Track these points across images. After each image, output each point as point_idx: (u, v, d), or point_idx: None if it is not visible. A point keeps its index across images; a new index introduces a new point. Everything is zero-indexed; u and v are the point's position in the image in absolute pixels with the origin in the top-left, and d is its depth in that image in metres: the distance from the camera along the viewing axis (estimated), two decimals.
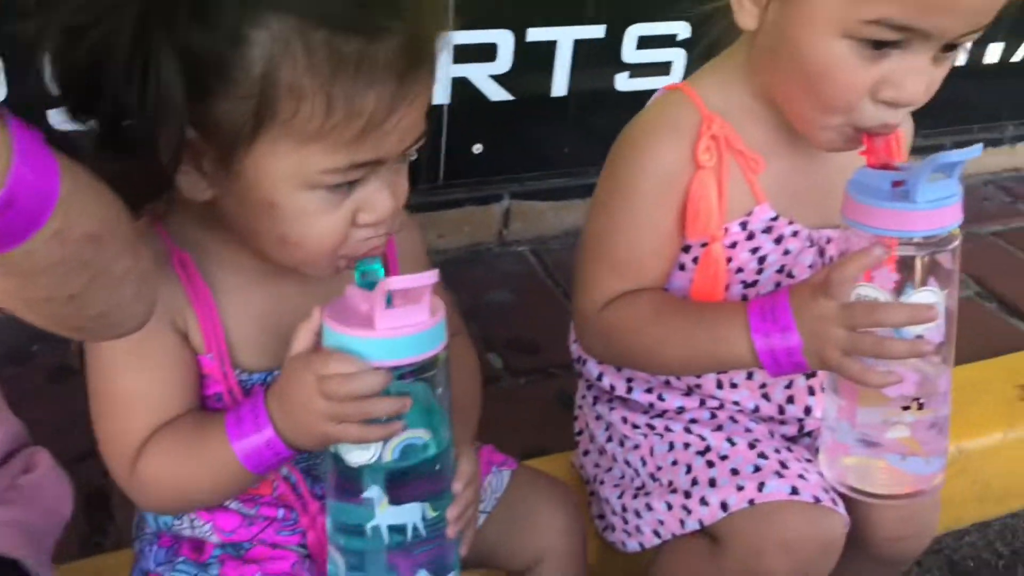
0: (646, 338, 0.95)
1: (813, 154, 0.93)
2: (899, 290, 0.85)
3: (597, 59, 1.65)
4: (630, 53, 1.67)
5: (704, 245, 0.95)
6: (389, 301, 0.73)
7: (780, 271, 0.98)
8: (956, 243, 0.84)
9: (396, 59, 0.70)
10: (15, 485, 0.86)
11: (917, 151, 2.13)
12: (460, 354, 0.97)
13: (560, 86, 1.66)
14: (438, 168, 1.64)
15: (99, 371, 0.81)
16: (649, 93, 0.99)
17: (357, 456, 0.77)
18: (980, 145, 0.80)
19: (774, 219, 0.95)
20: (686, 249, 0.97)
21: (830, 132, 0.86)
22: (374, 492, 0.78)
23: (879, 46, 0.80)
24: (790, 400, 1.03)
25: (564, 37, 1.61)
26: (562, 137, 1.70)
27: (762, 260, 0.97)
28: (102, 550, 1.15)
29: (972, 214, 2.04)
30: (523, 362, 1.47)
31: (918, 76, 0.81)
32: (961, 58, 2.02)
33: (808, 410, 1.03)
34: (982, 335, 1.66)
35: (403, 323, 0.73)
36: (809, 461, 0.99)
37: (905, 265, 0.83)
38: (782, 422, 1.05)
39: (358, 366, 0.72)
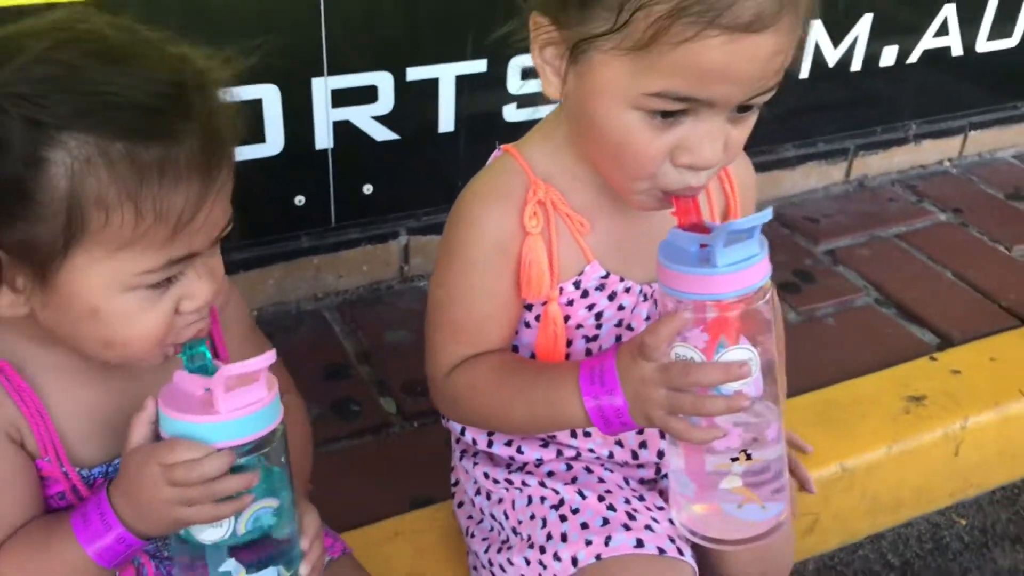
0: (491, 402, 0.97)
1: (637, 212, 0.94)
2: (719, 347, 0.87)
3: (482, 93, 1.66)
4: (515, 84, 1.68)
5: (544, 304, 0.97)
6: None
7: (619, 325, 1.00)
8: (768, 296, 0.86)
9: (197, 159, 0.72)
10: None
11: (823, 156, 2.17)
12: (290, 412, 0.97)
13: (447, 122, 1.66)
14: (328, 212, 1.64)
15: None
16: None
17: (210, 534, 0.79)
18: (770, 209, 0.82)
19: (605, 277, 0.96)
20: (529, 307, 0.99)
21: (640, 195, 0.88)
22: (231, 565, 0.81)
23: (668, 115, 0.81)
24: (643, 445, 1.05)
25: (445, 74, 1.62)
26: (455, 170, 1.70)
27: (599, 316, 0.98)
28: None
29: (876, 217, 2.10)
30: (417, 405, 1.48)
31: (713, 141, 0.83)
32: (857, 62, 2.05)
33: (662, 454, 1.05)
34: (878, 344, 1.69)
35: (243, 403, 0.76)
36: (661, 508, 1.02)
37: (716, 325, 0.85)
38: (639, 466, 1.07)
39: (203, 451, 0.75)
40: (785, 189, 2.13)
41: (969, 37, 2.15)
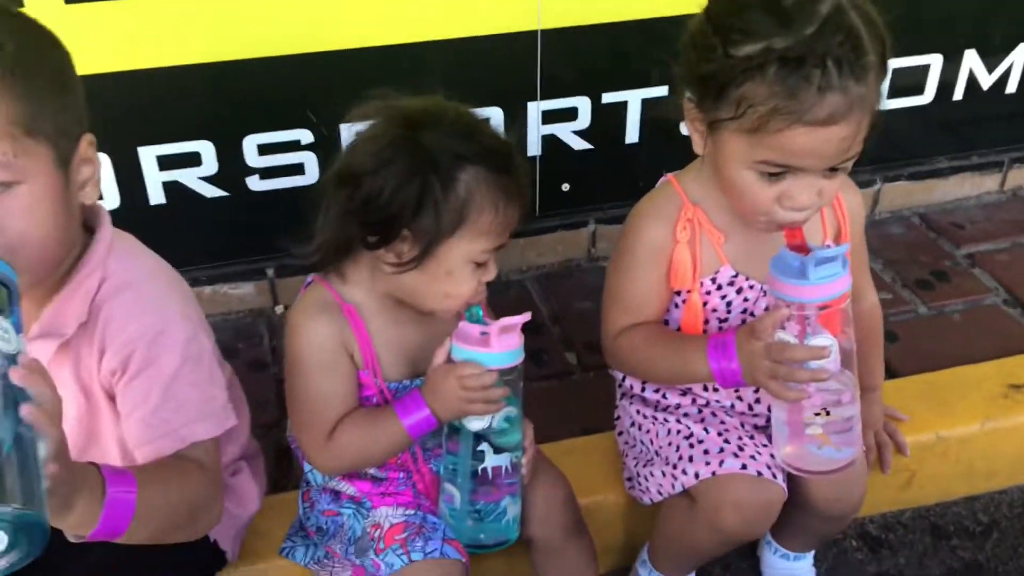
0: (644, 358, 1.37)
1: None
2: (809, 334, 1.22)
3: (663, 113, 2.03)
4: None
5: (688, 292, 1.35)
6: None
7: (743, 312, 1.37)
8: (847, 302, 1.21)
9: (522, 187, 1.22)
10: (225, 483, 1.36)
11: (977, 168, 2.38)
12: None
13: (632, 135, 2.05)
14: (534, 204, 2.07)
15: (300, 377, 1.28)
16: None
17: (476, 424, 1.26)
18: (848, 244, 1.17)
19: (735, 276, 1.34)
20: (678, 294, 1.37)
21: (760, 224, 1.24)
22: (484, 446, 1.27)
23: (773, 174, 1.17)
24: (757, 400, 1.42)
25: (633, 98, 2.00)
26: (636, 173, 2.08)
27: (729, 304, 1.36)
28: (285, 489, 1.65)
29: (1022, 225, 2.29)
30: (594, 360, 1.89)
31: (808, 191, 1.17)
32: (1012, 85, 2.25)
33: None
34: (996, 339, 1.94)
35: (507, 344, 1.22)
36: (765, 446, 1.38)
37: (806, 319, 1.20)
38: (754, 415, 1.44)
39: (481, 370, 1.21)
40: (937, 197, 2.36)
41: None
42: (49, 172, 1.04)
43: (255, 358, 1.94)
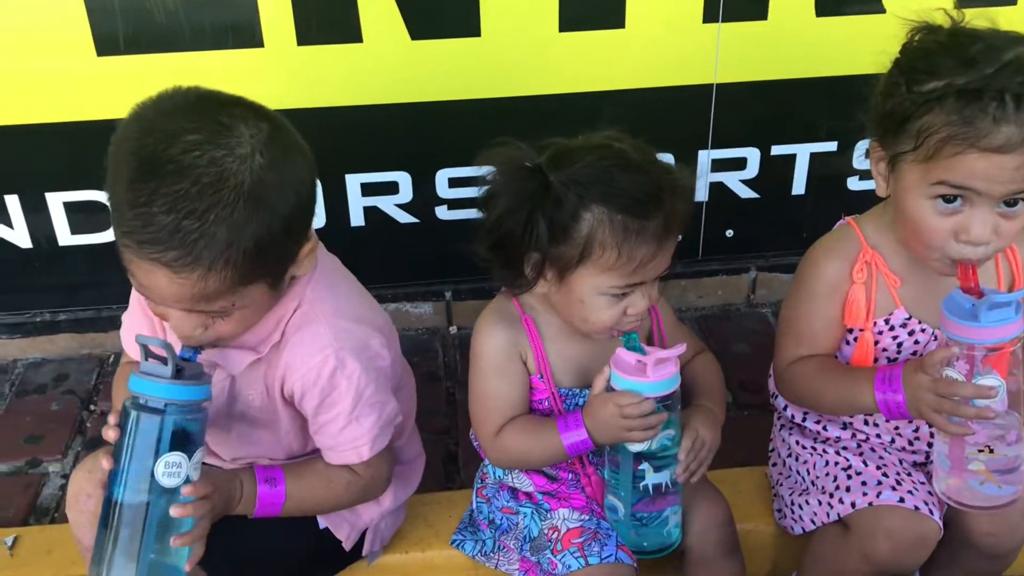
0: (813, 386, 1.44)
1: (936, 277, 1.36)
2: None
3: (831, 166, 2.11)
4: (859, 161, 2.11)
5: (861, 331, 1.43)
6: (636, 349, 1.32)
7: (913, 354, 1.43)
8: (1018, 344, 1.26)
9: (657, 232, 1.28)
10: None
11: None
12: (707, 363, 1.54)
13: (799, 187, 2.14)
14: (697, 247, 2.18)
15: (477, 377, 1.42)
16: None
17: (636, 446, 1.34)
18: (1023, 291, 1.22)
19: (908, 319, 1.40)
20: (850, 331, 1.45)
21: (935, 262, 1.31)
22: (645, 465, 1.36)
23: (949, 202, 1.23)
24: (917, 438, 1.47)
25: (802, 151, 2.10)
26: (801, 224, 2.16)
27: (900, 345, 1.42)
28: (451, 488, 1.79)
29: None
30: (749, 399, 1.96)
31: (983, 224, 1.23)
32: None
33: (930, 444, 1.46)
34: None
35: (663, 374, 1.30)
36: (923, 483, 1.43)
37: (974, 359, 1.26)
38: (913, 452, 1.49)
39: (640, 399, 1.29)
40: None
41: None
42: (263, 295, 1.21)
43: (430, 372, 2.10)
